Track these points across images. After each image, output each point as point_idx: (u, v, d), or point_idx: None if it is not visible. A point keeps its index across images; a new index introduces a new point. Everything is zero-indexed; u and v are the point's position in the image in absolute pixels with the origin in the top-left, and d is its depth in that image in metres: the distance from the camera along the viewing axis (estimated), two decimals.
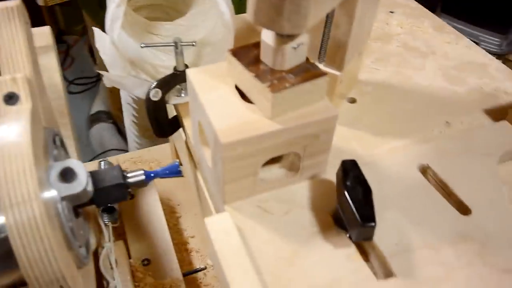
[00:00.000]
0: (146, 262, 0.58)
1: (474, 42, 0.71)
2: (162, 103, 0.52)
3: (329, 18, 0.46)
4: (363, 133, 0.53)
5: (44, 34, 0.56)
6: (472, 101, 0.59)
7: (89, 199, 0.39)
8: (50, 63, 0.55)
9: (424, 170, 0.48)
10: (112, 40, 0.50)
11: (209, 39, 0.60)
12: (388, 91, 0.60)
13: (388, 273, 0.39)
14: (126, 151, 1.02)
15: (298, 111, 0.39)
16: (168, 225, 0.62)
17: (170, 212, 0.69)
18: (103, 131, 1.55)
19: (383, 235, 0.40)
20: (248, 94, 0.40)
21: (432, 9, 0.80)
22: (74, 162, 0.36)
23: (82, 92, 1.75)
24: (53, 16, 1.81)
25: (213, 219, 0.39)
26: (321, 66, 0.50)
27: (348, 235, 0.41)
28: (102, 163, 0.59)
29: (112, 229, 0.54)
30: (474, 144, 0.51)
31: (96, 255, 0.51)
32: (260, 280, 0.36)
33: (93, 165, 0.63)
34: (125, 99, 0.88)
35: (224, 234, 0.38)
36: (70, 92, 1.72)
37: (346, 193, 0.38)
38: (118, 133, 1.59)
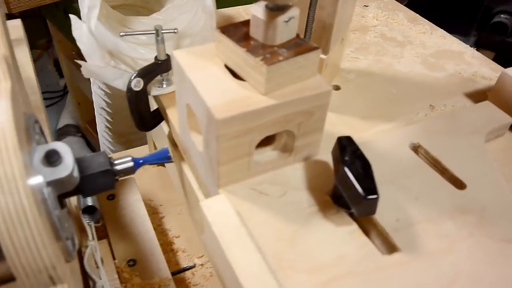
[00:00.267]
0: (132, 263, 0.55)
1: None
2: (144, 93, 0.50)
3: None
4: (351, 118, 0.53)
5: (15, 27, 0.53)
6: (452, 85, 0.60)
7: (75, 187, 0.37)
8: (23, 56, 0.52)
9: (416, 149, 0.48)
10: (89, 29, 0.48)
11: (188, 31, 0.59)
12: (371, 78, 0.60)
13: (392, 248, 0.38)
14: None
15: (291, 87, 0.38)
16: None
17: (153, 213, 0.66)
18: (71, 145, 1.48)
19: (384, 211, 0.39)
20: (239, 72, 0.39)
21: None
22: (59, 145, 0.34)
23: (48, 107, 1.69)
24: None
25: (209, 202, 0.38)
26: None
27: (348, 213, 0.40)
28: None
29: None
30: (461, 123, 0.51)
31: (79, 256, 0.48)
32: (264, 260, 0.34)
33: None
34: (98, 103, 0.85)
35: (222, 216, 0.37)
36: None
37: (345, 168, 0.37)
38: (87, 147, 1.54)
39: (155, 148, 0.69)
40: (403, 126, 0.52)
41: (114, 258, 0.54)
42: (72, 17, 0.49)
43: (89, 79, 1.33)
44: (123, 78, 0.51)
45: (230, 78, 0.39)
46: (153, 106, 0.56)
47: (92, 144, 1.52)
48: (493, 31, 1.47)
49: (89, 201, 0.55)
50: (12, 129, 0.30)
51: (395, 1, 0.79)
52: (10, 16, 1.53)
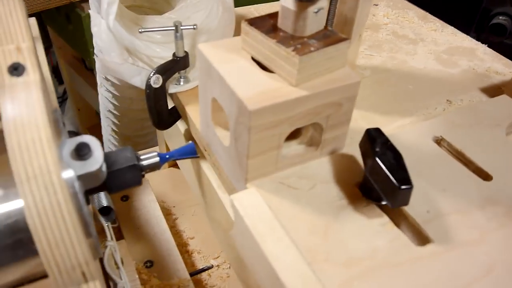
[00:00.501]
0: (149, 264, 0.54)
1: None
2: (162, 90, 0.50)
3: None
4: (370, 113, 0.53)
5: (31, 26, 0.52)
6: (467, 80, 0.60)
7: (102, 182, 0.36)
8: (40, 54, 0.51)
9: (439, 142, 0.47)
10: (108, 25, 0.47)
11: (204, 28, 0.58)
12: (386, 74, 0.60)
13: (424, 240, 0.37)
14: None
15: (321, 78, 0.38)
16: None
17: (166, 214, 0.65)
18: None
19: (414, 203, 0.39)
20: (268, 64, 0.39)
21: None
22: (89, 138, 0.33)
23: None
24: None
25: (240, 195, 0.37)
26: None
27: (378, 206, 0.39)
28: None
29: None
30: (481, 116, 0.51)
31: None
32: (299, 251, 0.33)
33: None
34: (105, 106, 0.83)
35: (254, 209, 0.36)
36: None
37: (377, 159, 0.36)
38: None
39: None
40: (423, 120, 0.52)
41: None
42: (92, 13, 0.49)
43: (90, 85, 1.32)
44: (141, 76, 0.50)
45: (258, 70, 0.39)
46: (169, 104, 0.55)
47: None
48: (492, 33, 1.48)
49: (104, 201, 0.54)
50: (45, 120, 0.29)
51: (404, 0, 0.79)
52: None
